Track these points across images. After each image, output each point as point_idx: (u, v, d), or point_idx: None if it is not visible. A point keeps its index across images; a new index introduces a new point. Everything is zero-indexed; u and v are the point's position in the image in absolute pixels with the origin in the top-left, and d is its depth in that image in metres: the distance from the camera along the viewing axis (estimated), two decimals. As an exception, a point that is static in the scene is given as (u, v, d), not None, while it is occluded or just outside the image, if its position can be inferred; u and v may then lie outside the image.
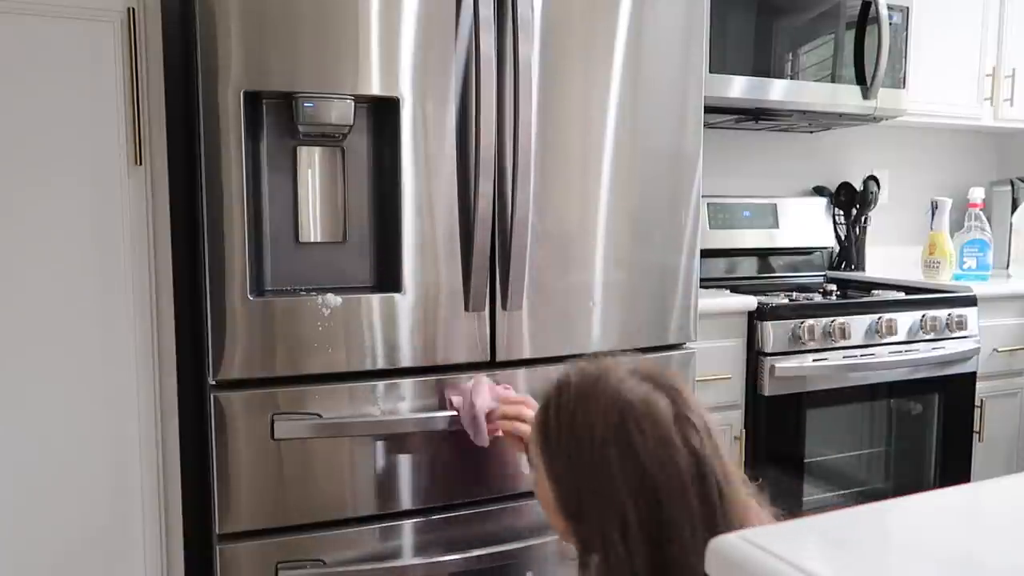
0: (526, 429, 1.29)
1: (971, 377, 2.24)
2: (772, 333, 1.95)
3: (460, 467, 1.50)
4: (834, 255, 2.73)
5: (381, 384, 1.44)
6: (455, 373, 1.49)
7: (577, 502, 1.01)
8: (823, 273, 2.68)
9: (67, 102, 1.40)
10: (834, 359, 2.02)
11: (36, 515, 1.44)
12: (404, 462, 1.47)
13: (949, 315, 2.17)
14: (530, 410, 1.32)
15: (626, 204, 1.60)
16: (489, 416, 1.39)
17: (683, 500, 0.94)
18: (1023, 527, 0.58)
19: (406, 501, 1.48)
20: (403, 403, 1.45)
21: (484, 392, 1.41)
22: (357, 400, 1.42)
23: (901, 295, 2.21)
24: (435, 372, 1.48)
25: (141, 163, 1.46)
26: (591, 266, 1.58)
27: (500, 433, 1.39)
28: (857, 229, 2.69)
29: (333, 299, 1.39)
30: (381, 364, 1.44)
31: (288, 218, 1.46)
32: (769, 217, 2.56)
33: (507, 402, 1.40)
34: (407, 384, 1.46)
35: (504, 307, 1.51)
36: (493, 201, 1.48)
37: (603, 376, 1.02)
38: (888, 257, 2.86)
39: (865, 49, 2.27)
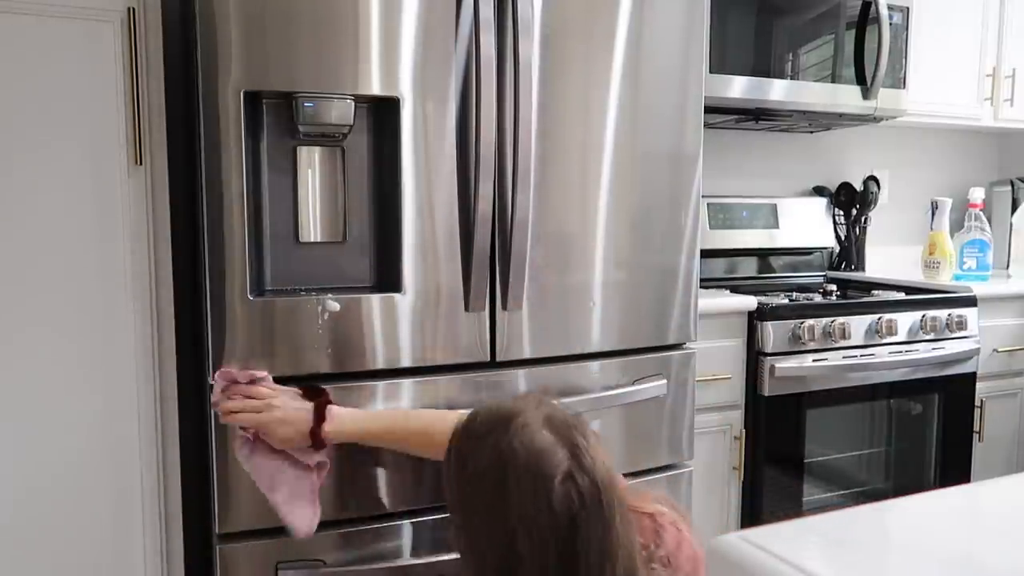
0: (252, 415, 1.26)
1: (971, 377, 2.24)
2: (772, 333, 1.96)
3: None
4: (834, 255, 2.73)
5: (381, 384, 1.44)
6: (455, 373, 1.49)
7: (454, 526, 1.01)
8: (823, 273, 2.69)
9: (67, 102, 1.40)
10: (834, 359, 2.02)
11: (36, 515, 1.44)
12: (404, 462, 1.47)
13: (949, 315, 2.17)
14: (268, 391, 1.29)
15: (626, 204, 1.60)
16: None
17: (542, 560, 0.92)
18: (1023, 527, 0.58)
19: (406, 501, 1.48)
20: (403, 403, 1.45)
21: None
22: (357, 400, 1.42)
23: (901, 295, 2.21)
24: (435, 372, 1.48)
25: (141, 163, 1.46)
26: (591, 266, 1.58)
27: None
28: (857, 229, 2.69)
29: (332, 304, 1.39)
30: (381, 364, 1.44)
31: (288, 218, 1.46)
32: (769, 217, 2.56)
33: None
34: (407, 384, 1.46)
35: (504, 307, 1.51)
36: (493, 201, 1.48)
37: (510, 418, 0.99)
38: (888, 257, 2.86)
39: (865, 49, 2.27)
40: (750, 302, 1.98)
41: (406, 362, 1.46)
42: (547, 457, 0.95)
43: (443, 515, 1.49)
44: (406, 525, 1.48)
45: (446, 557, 1.47)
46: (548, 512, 0.93)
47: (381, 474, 1.46)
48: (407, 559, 1.47)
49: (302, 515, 1.30)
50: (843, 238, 2.71)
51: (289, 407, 1.28)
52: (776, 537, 0.54)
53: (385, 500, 1.46)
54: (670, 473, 1.70)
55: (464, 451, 1.01)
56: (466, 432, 1.03)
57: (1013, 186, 2.85)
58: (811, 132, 2.69)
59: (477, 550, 0.97)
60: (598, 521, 0.94)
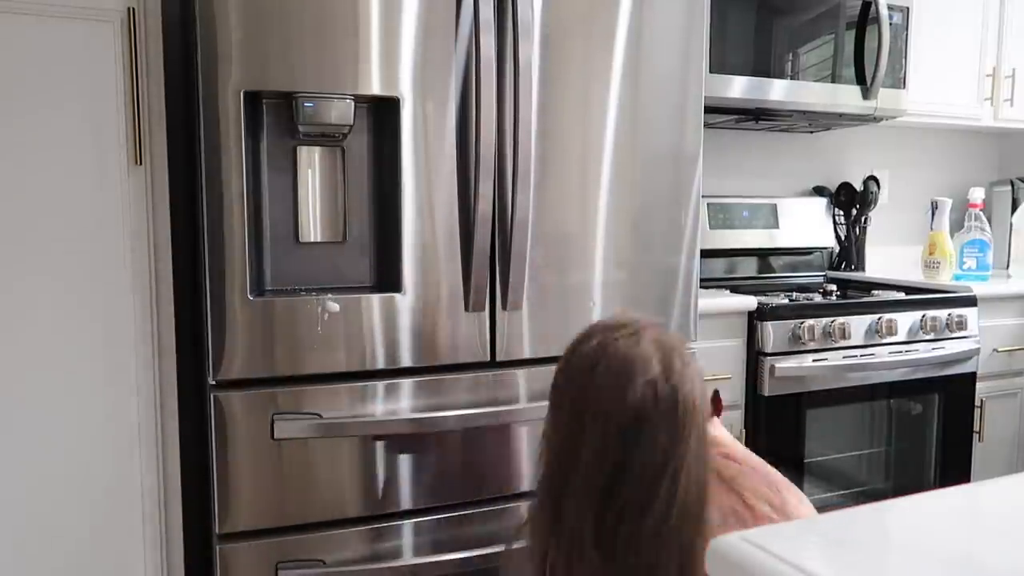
0: None
1: (971, 377, 2.24)
2: (772, 333, 1.95)
3: (459, 467, 1.50)
4: (834, 255, 2.73)
5: (381, 384, 1.44)
6: (455, 373, 1.49)
7: (550, 404, 1.03)
8: (823, 273, 2.68)
9: (67, 102, 1.40)
10: (834, 359, 2.02)
11: (37, 515, 1.44)
12: (404, 462, 1.47)
13: (949, 315, 2.17)
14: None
15: (626, 204, 1.60)
16: None
17: (603, 445, 0.93)
18: (1023, 527, 0.58)
19: (406, 501, 1.48)
20: (403, 403, 1.45)
21: None
22: (357, 400, 1.42)
23: (901, 295, 2.21)
24: (435, 372, 1.48)
25: (141, 163, 1.46)
26: (591, 266, 1.58)
27: None
28: (857, 229, 2.69)
29: (332, 305, 1.39)
30: (381, 364, 1.44)
31: (288, 218, 1.46)
32: (769, 217, 2.56)
33: None
34: (407, 384, 1.46)
35: (504, 307, 1.51)
36: (493, 201, 1.48)
37: (623, 325, 1.01)
38: (888, 257, 2.86)
39: (865, 49, 2.26)
40: (750, 302, 1.98)
41: (406, 362, 1.46)
42: (640, 363, 0.95)
43: (443, 515, 1.49)
44: (406, 525, 1.48)
45: (446, 557, 1.47)
46: (620, 406, 0.93)
47: (381, 474, 1.46)
48: (407, 559, 1.47)
49: None
50: (843, 238, 2.70)
51: None
52: (776, 537, 0.54)
53: (384, 500, 1.46)
54: (670, 473, 1.70)
55: (573, 344, 1.03)
56: (583, 332, 1.04)
57: (1013, 186, 2.85)
58: (811, 132, 2.69)
59: (552, 444, 0.98)
60: (666, 429, 0.93)
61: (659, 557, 0.92)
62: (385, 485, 1.46)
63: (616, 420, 0.93)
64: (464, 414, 1.48)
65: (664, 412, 0.93)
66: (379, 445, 1.45)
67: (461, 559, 1.49)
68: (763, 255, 2.58)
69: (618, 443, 0.92)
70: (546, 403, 1.54)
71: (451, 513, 1.51)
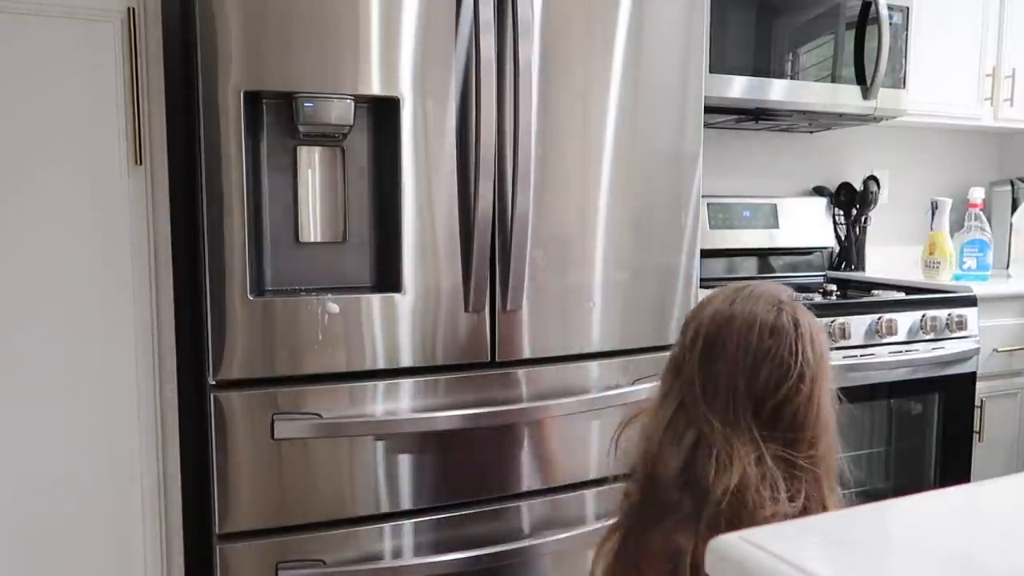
0: None
1: (971, 377, 2.24)
2: (772, 333, 1.95)
3: (460, 467, 1.50)
4: (834, 255, 2.73)
5: (381, 384, 1.44)
6: (455, 373, 1.49)
7: (682, 330, 1.09)
8: (823, 273, 2.68)
9: (67, 102, 1.40)
10: (834, 359, 2.00)
11: (36, 515, 1.44)
12: (404, 462, 1.47)
13: (949, 315, 2.17)
14: None
15: (626, 204, 1.60)
16: None
17: (746, 338, 1.01)
18: (1023, 527, 0.58)
19: (406, 501, 1.48)
20: (403, 403, 1.45)
21: None
22: (357, 400, 1.42)
23: (901, 295, 2.21)
24: (435, 372, 1.48)
25: (141, 163, 1.46)
26: (591, 266, 1.58)
27: None
28: (857, 229, 2.69)
29: (331, 306, 1.39)
30: (381, 364, 1.44)
31: (288, 218, 1.46)
32: (769, 217, 2.56)
33: None
34: (407, 384, 1.46)
35: (504, 307, 1.51)
36: (493, 201, 1.48)
37: (776, 291, 1.10)
38: (888, 257, 2.86)
39: (865, 49, 2.26)
40: (750, 302, 1.98)
41: (406, 362, 1.46)
42: (776, 295, 1.07)
43: (443, 515, 1.49)
44: (406, 525, 1.48)
45: (446, 557, 1.47)
46: (761, 312, 1.04)
47: (381, 474, 1.46)
48: (407, 559, 1.47)
49: None
50: (843, 238, 2.70)
51: None
52: (776, 537, 0.54)
53: (385, 500, 1.46)
54: (670, 473, 1.70)
55: (693, 312, 1.11)
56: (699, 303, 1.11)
57: (1013, 186, 2.85)
58: (811, 132, 2.69)
59: (693, 327, 1.06)
60: (809, 352, 1.05)
61: (802, 441, 1.04)
62: (385, 485, 1.46)
63: (760, 322, 1.02)
64: (464, 414, 1.48)
65: (800, 331, 1.04)
66: (379, 445, 1.45)
67: (461, 559, 1.49)
68: (763, 255, 2.58)
69: (761, 337, 1.02)
70: (546, 403, 1.54)
71: (451, 513, 1.51)
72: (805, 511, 1.02)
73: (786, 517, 0.97)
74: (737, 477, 0.95)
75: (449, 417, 1.46)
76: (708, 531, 0.94)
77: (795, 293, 1.11)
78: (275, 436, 1.37)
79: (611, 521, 1.11)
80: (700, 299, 1.16)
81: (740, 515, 0.94)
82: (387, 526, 1.46)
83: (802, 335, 1.04)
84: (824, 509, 1.03)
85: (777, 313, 1.04)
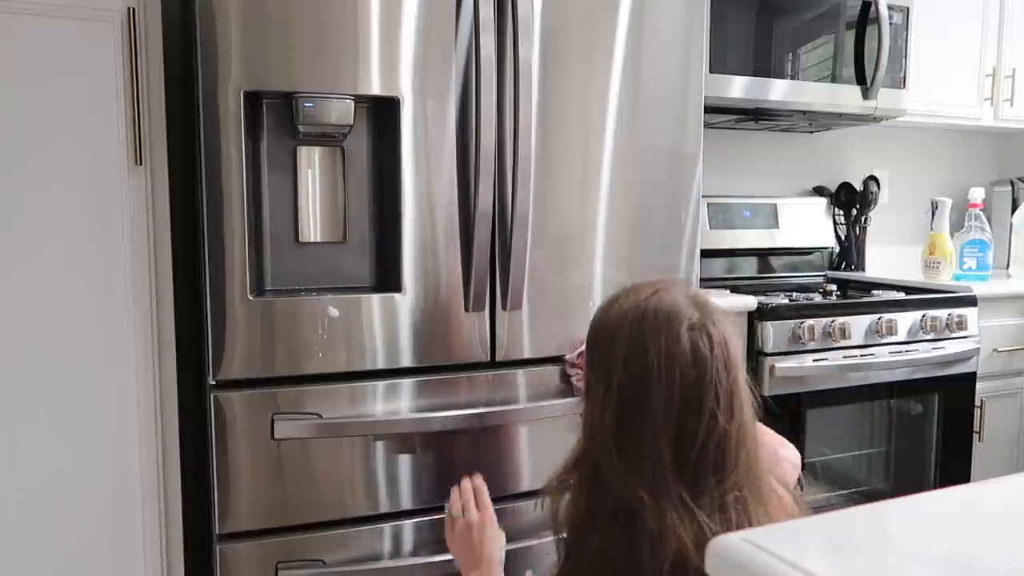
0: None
1: (971, 377, 2.24)
2: (772, 333, 1.95)
3: (460, 467, 1.50)
4: (834, 255, 2.73)
5: (381, 384, 1.44)
6: (455, 373, 1.49)
7: (591, 370, 1.05)
8: (823, 273, 2.68)
9: (67, 102, 1.40)
10: (834, 359, 2.02)
11: (37, 515, 1.44)
12: (404, 461, 1.47)
13: (949, 315, 2.17)
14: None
15: (626, 204, 1.60)
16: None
17: (668, 389, 0.96)
18: (1023, 527, 0.58)
19: (406, 501, 1.48)
20: (403, 403, 1.45)
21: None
22: (357, 400, 1.42)
23: (901, 295, 2.21)
24: (435, 372, 1.48)
25: (141, 163, 1.46)
26: (591, 266, 1.58)
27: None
28: (857, 229, 2.69)
29: (331, 311, 1.39)
30: (381, 364, 1.44)
31: (288, 218, 1.46)
32: (769, 217, 2.56)
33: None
34: (407, 384, 1.46)
35: (504, 307, 1.51)
36: (493, 201, 1.48)
37: (654, 283, 1.05)
38: (888, 257, 2.86)
39: (865, 49, 2.26)
40: (750, 302, 1.98)
41: (406, 362, 1.46)
42: (682, 310, 1.00)
43: (444, 515, 1.49)
44: (406, 525, 1.48)
45: (446, 557, 1.47)
46: (677, 346, 0.97)
47: (381, 474, 1.46)
48: (407, 559, 1.47)
49: None
50: (843, 238, 2.70)
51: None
52: (776, 537, 0.54)
53: (385, 500, 1.46)
54: (670, 473, 1.70)
55: (604, 307, 1.07)
56: (610, 298, 1.08)
57: (1013, 186, 2.85)
58: (811, 132, 2.69)
59: (607, 371, 1.00)
60: (724, 374, 0.98)
61: (727, 478, 0.97)
62: (386, 485, 1.46)
63: (679, 361, 0.97)
64: (464, 414, 1.48)
65: (718, 356, 0.98)
66: (379, 445, 1.45)
67: (461, 559, 1.49)
68: (763, 255, 2.58)
69: (683, 382, 0.96)
70: (546, 403, 1.54)
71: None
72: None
73: None
74: (672, 552, 0.92)
75: (448, 417, 1.46)
76: None
77: (691, 285, 1.07)
78: (275, 436, 1.37)
79: None
80: (595, 314, 1.08)
81: None
82: (387, 526, 1.47)
83: (716, 356, 0.98)
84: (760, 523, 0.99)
85: (691, 337, 0.97)
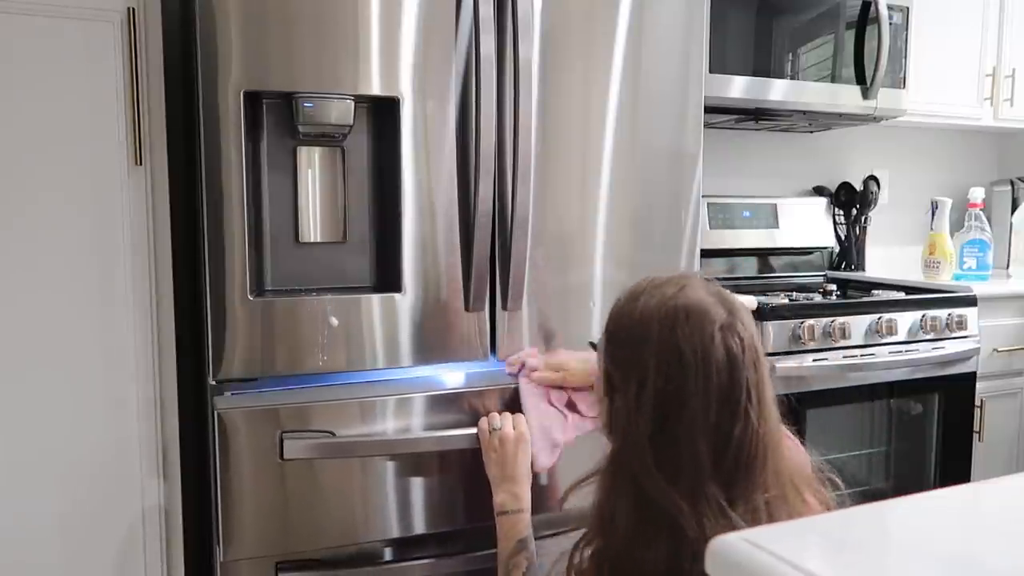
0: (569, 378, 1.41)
1: (971, 377, 2.24)
2: (772, 333, 1.95)
3: (467, 480, 1.46)
4: (834, 255, 2.73)
5: (391, 399, 1.43)
6: (455, 373, 1.49)
7: (615, 369, 1.03)
8: (823, 273, 2.68)
9: (67, 102, 1.40)
10: (834, 359, 2.02)
11: (36, 516, 1.44)
12: (415, 481, 1.43)
13: (949, 315, 2.17)
14: (573, 360, 1.42)
15: (626, 204, 1.60)
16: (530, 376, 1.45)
17: (706, 391, 0.95)
18: (1023, 527, 0.58)
19: (419, 526, 1.45)
20: (414, 420, 1.44)
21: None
22: (367, 415, 1.42)
23: (901, 295, 2.21)
24: (435, 372, 1.48)
25: (141, 163, 1.46)
26: (591, 266, 1.58)
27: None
28: (857, 229, 2.69)
29: (332, 321, 1.39)
30: (381, 364, 1.44)
31: (288, 218, 1.46)
32: (769, 217, 2.56)
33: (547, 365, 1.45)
34: (418, 399, 1.45)
35: (504, 307, 1.51)
36: (493, 201, 1.47)
37: (675, 279, 1.03)
38: (888, 257, 2.86)
39: (865, 49, 2.26)
40: (750, 302, 1.98)
41: (406, 362, 1.46)
42: (710, 306, 0.98)
43: (447, 528, 1.48)
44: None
45: (446, 557, 1.47)
46: (716, 347, 0.96)
47: (391, 493, 1.45)
48: (407, 560, 1.47)
49: (544, 452, 1.39)
50: (843, 238, 2.70)
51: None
52: (776, 537, 0.54)
53: (399, 525, 1.46)
54: (670, 473, 1.70)
55: (624, 303, 1.04)
56: (629, 291, 1.05)
57: (1013, 186, 2.85)
58: (811, 132, 2.69)
59: (639, 372, 0.98)
60: (754, 373, 0.97)
61: (757, 479, 0.96)
62: (397, 508, 1.43)
63: (715, 362, 0.95)
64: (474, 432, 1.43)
65: (748, 357, 0.97)
66: (390, 464, 1.42)
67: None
68: (763, 255, 2.58)
69: (719, 382, 0.95)
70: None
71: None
72: None
73: None
74: None
75: (464, 436, 1.41)
76: None
77: (715, 282, 1.04)
78: (284, 456, 1.34)
79: None
80: (616, 310, 1.05)
81: None
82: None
83: (747, 355, 0.97)
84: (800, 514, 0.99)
85: (724, 338, 0.96)
